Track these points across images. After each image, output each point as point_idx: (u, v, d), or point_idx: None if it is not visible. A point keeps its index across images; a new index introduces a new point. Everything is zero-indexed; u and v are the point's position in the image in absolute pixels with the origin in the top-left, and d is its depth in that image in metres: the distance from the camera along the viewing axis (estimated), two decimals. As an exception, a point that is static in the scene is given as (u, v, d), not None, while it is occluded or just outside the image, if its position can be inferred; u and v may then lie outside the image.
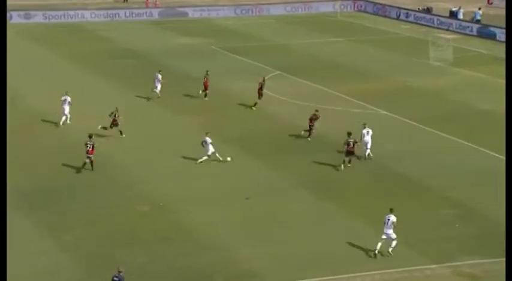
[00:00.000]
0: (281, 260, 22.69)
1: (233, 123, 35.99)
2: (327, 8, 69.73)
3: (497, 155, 31.21)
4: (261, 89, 38.57)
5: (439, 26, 60.68)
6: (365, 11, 69.08)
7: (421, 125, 35.40)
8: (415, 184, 28.52)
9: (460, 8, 61.98)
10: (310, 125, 33.39)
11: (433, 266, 22.32)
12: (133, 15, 65.73)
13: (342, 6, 69.07)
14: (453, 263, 22.44)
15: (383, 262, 22.51)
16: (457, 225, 24.87)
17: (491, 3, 69.93)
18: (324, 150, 32.27)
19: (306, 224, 25.20)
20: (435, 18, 61.86)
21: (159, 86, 39.51)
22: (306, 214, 26.02)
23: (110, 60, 49.11)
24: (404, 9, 65.60)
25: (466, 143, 32.88)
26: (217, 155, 30.45)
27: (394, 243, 22.85)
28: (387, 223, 22.81)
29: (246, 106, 38.67)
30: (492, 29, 56.39)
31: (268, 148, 32.44)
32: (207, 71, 40.20)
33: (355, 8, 70.05)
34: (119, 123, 32.85)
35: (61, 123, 34.66)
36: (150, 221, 25.18)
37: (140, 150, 31.70)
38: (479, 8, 61.58)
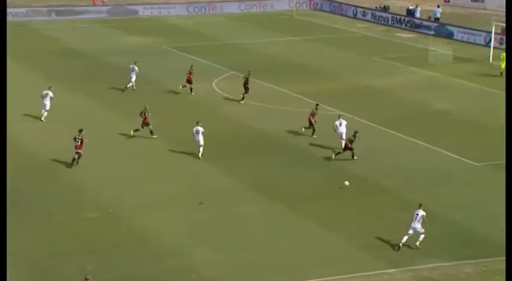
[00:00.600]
0: (236, 265, 22.34)
1: (186, 125, 35.44)
2: (282, 6, 69.62)
3: (454, 155, 31.26)
4: (246, 82, 38.63)
5: (396, 25, 60.99)
6: (321, 10, 69.17)
7: (377, 126, 35.34)
8: (372, 186, 28.36)
9: (417, 7, 62.44)
10: (311, 122, 33.02)
11: (391, 270, 22.10)
12: (80, 13, 64.56)
13: (298, 5, 69.04)
14: (411, 267, 22.26)
15: (339, 267, 22.22)
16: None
17: (448, 1, 70.62)
18: (278, 152, 31.96)
19: (260, 227, 24.85)
20: (392, 16, 62.16)
21: (134, 77, 40.24)
22: (260, 217, 25.66)
23: (56, 60, 48.13)
24: (361, 7, 65.84)
25: (423, 143, 32.88)
26: (201, 149, 30.67)
27: (422, 237, 23.18)
28: (416, 218, 23.29)
29: (199, 107, 38.19)
30: (449, 27, 56.85)
31: (221, 150, 32.00)
32: (191, 66, 40.53)
33: (311, 7, 70.10)
34: (150, 123, 32.60)
35: (42, 118, 34.98)
36: (99, 228, 24.48)
37: (87, 153, 30.86)
38: (438, 6, 62.09)
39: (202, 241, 23.80)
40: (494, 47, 48.57)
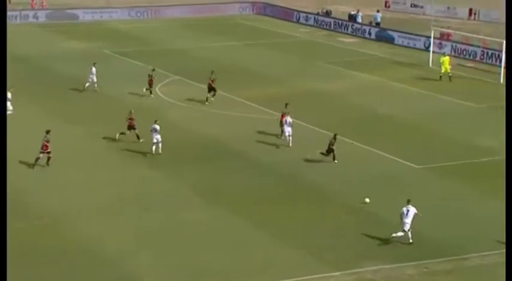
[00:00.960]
0: (180, 271, 22.38)
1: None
2: (226, 10, 69.83)
3: (396, 158, 31.95)
4: (211, 83, 39.38)
5: (338, 30, 61.87)
6: (265, 14, 69.67)
7: (321, 130, 35.84)
8: (316, 190, 28.78)
9: (358, 12, 63.43)
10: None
11: (337, 273, 22.51)
12: (18, 17, 63.49)
13: (242, 9, 69.38)
14: (355, 270, 22.70)
15: (284, 271, 22.53)
16: (361, 232, 25.20)
17: (389, 7, 72.00)
18: (223, 157, 32.15)
19: (205, 233, 24.98)
20: (334, 21, 63.01)
21: (94, 78, 40.95)
22: (204, 223, 25.78)
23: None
24: (304, 12, 66.57)
25: (366, 147, 33.51)
26: (154, 147, 31.48)
27: (399, 233, 23.95)
28: (407, 214, 24.02)
29: (143, 112, 38.09)
30: (390, 32, 57.97)
31: (166, 155, 32.01)
32: (152, 69, 41.10)
33: (255, 11, 70.54)
34: (136, 127, 32.98)
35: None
36: (44, 236, 24.26)
37: (29, 159, 30.53)
38: (378, 11, 63.26)
39: (147, 247, 23.79)
40: (433, 52, 49.75)
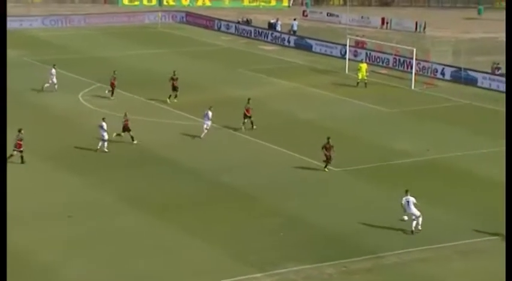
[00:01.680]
0: (108, 279, 22.16)
1: (51, 139, 34.71)
2: (147, 19, 69.43)
3: (316, 162, 32.45)
4: (173, 83, 40.76)
5: (259, 38, 62.41)
6: (186, 23, 69.58)
7: (243, 135, 36.08)
8: (240, 194, 28.97)
9: (277, 20, 64.19)
10: (246, 115, 35.79)
11: (258, 275, 22.72)
12: None
13: (163, 18, 69.07)
14: (278, 271, 22.97)
15: (208, 275, 22.60)
16: (281, 233, 25.51)
17: (307, 16, 73.14)
18: (148, 163, 31.98)
19: (131, 239, 24.81)
20: (255, 29, 63.53)
21: (55, 80, 41.97)
22: (129, 229, 25.61)
23: None
24: (225, 20, 66.83)
25: (288, 152, 33.90)
26: (100, 144, 32.53)
27: (420, 219, 25.06)
28: (408, 204, 25.17)
29: (66, 120, 37.51)
30: (308, 40, 58.86)
31: (90, 163, 31.61)
32: (114, 71, 42.09)
33: (176, 19, 70.36)
34: (131, 129, 33.81)
35: None
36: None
37: None
38: (295, 19, 64.19)
39: (77, 256, 23.43)
40: (349, 59, 50.81)
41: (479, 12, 71.43)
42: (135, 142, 33.71)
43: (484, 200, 28.54)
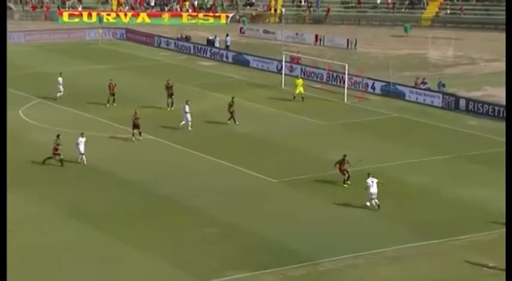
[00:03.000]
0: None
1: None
2: (87, 35, 68.53)
3: (254, 173, 32.49)
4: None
5: (198, 54, 62.36)
6: (126, 39, 69.00)
7: (185, 148, 35.90)
8: (180, 205, 28.75)
9: (216, 37, 64.30)
10: (231, 113, 39.06)
11: (201, 284, 22.55)
12: None
13: (104, 34, 68.29)
14: (219, 279, 22.85)
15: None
16: (221, 243, 25.38)
17: (244, 33, 73.48)
18: (87, 177, 31.44)
19: (74, 253, 24.31)
20: (194, 46, 63.49)
21: (61, 88, 43.50)
22: (73, 243, 25.08)
23: None
24: (164, 37, 66.56)
25: (227, 163, 33.85)
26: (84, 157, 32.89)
27: (368, 203, 27.86)
28: (372, 185, 27.87)
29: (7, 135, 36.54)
30: (245, 56, 59.06)
31: (30, 177, 30.88)
32: (110, 79, 43.28)
33: (116, 36, 69.70)
34: (140, 126, 36.14)
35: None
36: None
37: None
38: (227, 35, 64.44)
39: (15, 269, 22.78)
40: (285, 74, 51.20)
41: (405, 30, 73.06)
42: (140, 137, 36.22)
43: (416, 208, 29.03)
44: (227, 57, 60.10)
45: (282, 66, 52.32)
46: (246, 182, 31.55)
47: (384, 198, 29.53)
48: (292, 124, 41.41)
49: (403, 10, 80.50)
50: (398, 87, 47.98)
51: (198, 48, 62.96)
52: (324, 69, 52.15)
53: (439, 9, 79.99)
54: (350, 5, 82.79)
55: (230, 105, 39.61)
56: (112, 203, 28.62)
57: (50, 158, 32.30)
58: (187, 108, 38.33)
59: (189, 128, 38.22)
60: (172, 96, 42.86)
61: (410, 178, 32.20)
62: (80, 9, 79.07)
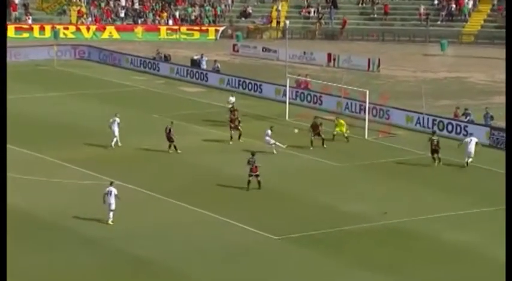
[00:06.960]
0: None
1: None
2: (39, 55, 69.11)
3: (251, 228, 32.59)
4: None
5: (179, 77, 62.68)
6: (89, 59, 69.69)
7: (162, 196, 36.07)
8: (157, 267, 28.86)
9: (202, 56, 64.63)
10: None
11: None
12: None
13: (60, 53, 68.95)
14: None
15: None
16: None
17: (237, 51, 74.02)
18: (39, 233, 31.71)
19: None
20: (175, 67, 63.72)
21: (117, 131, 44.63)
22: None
23: None
24: (137, 56, 67.15)
25: (216, 216, 33.98)
26: None
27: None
28: (470, 143, 40.16)
29: None
30: (239, 80, 59.28)
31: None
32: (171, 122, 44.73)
33: (77, 56, 70.43)
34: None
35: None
36: None
37: None
38: (216, 61, 63.48)
39: None
40: (290, 103, 51.28)
41: (442, 48, 73.78)
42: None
43: (453, 271, 29.15)
44: (216, 82, 60.49)
45: (285, 93, 52.61)
46: (242, 239, 31.68)
47: (412, 259, 29.57)
48: (298, 166, 41.57)
49: (439, 23, 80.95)
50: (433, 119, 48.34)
51: (179, 70, 63.49)
52: (339, 96, 52.39)
53: (485, 21, 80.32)
54: (372, 16, 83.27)
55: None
56: (70, 267, 28.76)
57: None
58: (269, 133, 42.53)
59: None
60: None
61: (447, 235, 32.36)
62: (29, 21, 79.79)
